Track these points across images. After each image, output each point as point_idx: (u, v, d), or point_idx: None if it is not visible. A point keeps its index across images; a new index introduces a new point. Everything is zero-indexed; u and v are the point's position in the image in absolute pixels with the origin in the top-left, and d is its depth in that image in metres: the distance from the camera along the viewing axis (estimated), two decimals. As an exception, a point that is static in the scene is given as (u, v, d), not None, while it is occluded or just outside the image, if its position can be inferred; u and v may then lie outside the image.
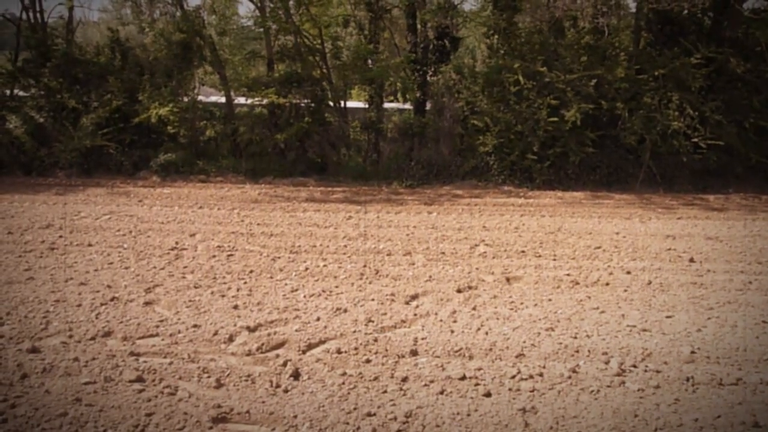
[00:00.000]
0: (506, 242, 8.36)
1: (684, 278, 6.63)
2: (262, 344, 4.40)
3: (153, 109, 14.33)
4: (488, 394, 3.75)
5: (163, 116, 14.32)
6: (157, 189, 13.40)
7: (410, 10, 16.62)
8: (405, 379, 3.92)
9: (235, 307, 5.26)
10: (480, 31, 18.11)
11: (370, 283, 6.18)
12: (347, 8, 17.92)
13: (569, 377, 4.00)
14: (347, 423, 3.35)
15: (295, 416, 3.41)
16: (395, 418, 3.41)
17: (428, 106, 16.97)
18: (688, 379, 3.99)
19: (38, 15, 16.60)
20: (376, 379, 3.92)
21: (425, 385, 3.86)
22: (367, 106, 17.63)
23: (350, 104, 18.24)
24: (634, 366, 4.21)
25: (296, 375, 3.93)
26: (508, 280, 6.43)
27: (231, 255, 7.21)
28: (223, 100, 17.69)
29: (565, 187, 13.99)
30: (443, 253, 7.60)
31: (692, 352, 4.44)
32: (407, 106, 18.60)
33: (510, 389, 3.82)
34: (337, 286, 6.01)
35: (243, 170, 15.37)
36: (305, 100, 16.14)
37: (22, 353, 4.13)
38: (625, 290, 6.14)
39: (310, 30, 16.77)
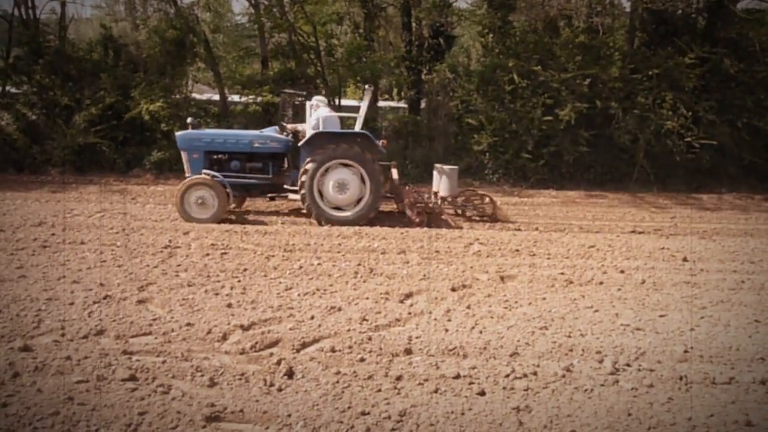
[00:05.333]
0: (500, 241, 8.37)
1: (677, 277, 6.66)
2: (256, 343, 4.38)
3: (144, 104, 14.26)
4: (482, 393, 3.75)
5: (155, 112, 14.23)
6: (150, 187, 13.34)
7: (405, 8, 16.61)
8: (399, 378, 3.92)
9: (229, 305, 5.24)
10: (475, 29, 18.14)
11: (364, 281, 6.18)
12: (342, 6, 17.89)
13: (563, 376, 4.01)
14: (341, 422, 3.35)
15: (289, 415, 3.40)
16: (389, 417, 3.41)
17: (423, 104, 16.97)
18: (681, 378, 4.01)
19: (30, 11, 16.49)
20: (370, 377, 3.91)
21: (419, 383, 3.85)
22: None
23: (345, 102, 18.21)
24: (628, 365, 4.22)
25: (290, 374, 3.92)
26: (502, 278, 6.44)
27: (225, 253, 7.18)
28: (217, 97, 17.62)
29: (559, 186, 14.02)
30: (438, 251, 7.60)
31: (685, 351, 4.45)
32: (402, 104, 18.60)
33: (504, 388, 3.83)
34: (331, 285, 6.00)
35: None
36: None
37: (13, 352, 4.10)
38: (619, 289, 6.16)
39: (305, 27, 16.73)
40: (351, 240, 8.12)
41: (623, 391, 3.84)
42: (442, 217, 10.00)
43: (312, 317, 4.99)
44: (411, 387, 3.81)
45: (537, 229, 9.76)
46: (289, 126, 10.23)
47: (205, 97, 18.58)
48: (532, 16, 15.61)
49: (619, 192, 13.72)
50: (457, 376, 3.94)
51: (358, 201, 9.33)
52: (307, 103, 9.93)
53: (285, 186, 9.78)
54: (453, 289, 5.95)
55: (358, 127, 9.68)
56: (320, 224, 9.21)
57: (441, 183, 10.10)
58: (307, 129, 9.72)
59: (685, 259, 7.55)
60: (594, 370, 4.12)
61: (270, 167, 9.86)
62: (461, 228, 9.54)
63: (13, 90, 16.11)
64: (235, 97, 17.08)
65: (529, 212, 11.57)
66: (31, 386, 3.64)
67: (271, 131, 10.13)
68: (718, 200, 13.22)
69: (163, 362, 4.04)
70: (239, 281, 6.02)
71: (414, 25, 17.06)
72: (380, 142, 9.61)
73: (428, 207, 10.06)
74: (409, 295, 5.74)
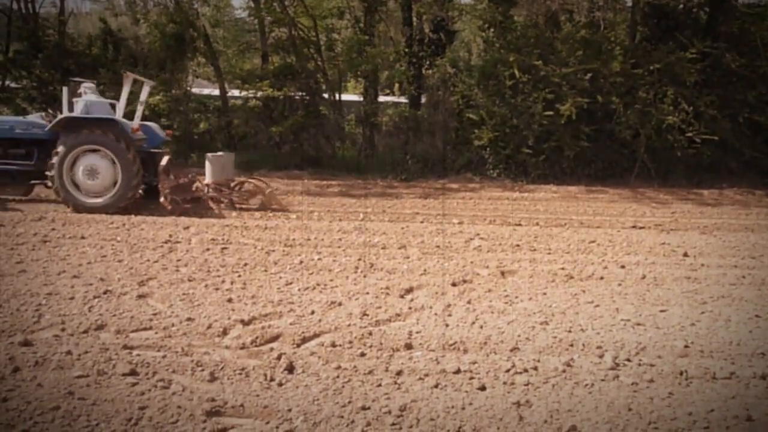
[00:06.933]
0: (501, 236, 8.36)
1: (678, 272, 6.65)
2: (257, 337, 4.38)
3: (144, 98, 14.25)
4: (483, 388, 3.74)
5: (155, 106, 14.22)
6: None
7: (406, 2, 16.56)
8: (399, 373, 3.91)
9: (229, 300, 5.24)
10: (476, 24, 18.08)
11: (364, 276, 6.17)
12: (342, 0, 17.84)
13: (564, 371, 4.01)
14: (342, 416, 3.34)
15: (290, 410, 3.40)
16: (390, 412, 3.41)
17: (423, 99, 16.94)
18: (681, 373, 4.00)
19: (30, 5, 16.46)
20: (370, 372, 3.91)
21: (420, 378, 3.85)
22: (362, 99, 17.58)
23: (345, 97, 18.19)
24: (628, 360, 4.21)
25: (290, 368, 3.92)
26: (502, 273, 6.44)
27: (225, 248, 7.18)
28: (217, 92, 17.60)
29: (560, 181, 14.01)
30: (438, 246, 7.60)
31: (686, 346, 4.45)
32: (403, 99, 18.57)
33: (504, 383, 3.82)
34: (331, 280, 5.99)
35: (237, 163, 15.29)
36: (300, 93, 16.07)
37: (14, 346, 4.10)
38: (620, 284, 6.15)
39: (305, 22, 16.70)
40: (351, 235, 8.11)
41: (624, 386, 3.84)
42: (210, 204, 9.91)
43: (312, 312, 4.99)
44: (411, 382, 3.81)
45: (537, 224, 9.75)
46: (51, 111, 10.15)
47: (205, 92, 18.55)
48: (533, 10, 15.57)
49: (619, 187, 13.70)
50: (458, 371, 3.94)
51: (113, 188, 9.29)
52: (64, 89, 9.74)
53: (47, 173, 9.45)
54: (453, 284, 5.95)
55: (118, 115, 9.60)
56: (68, 207, 9.22)
57: (206, 170, 10.18)
58: (65, 114, 9.57)
59: (685, 255, 7.54)
60: (594, 365, 4.12)
61: (35, 154, 9.67)
62: (223, 217, 9.45)
63: (13, 84, 16.09)
64: (235, 92, 17.06)
65: (530, 207, 11.56)
66: (31, 381, 3.64)
67: (36, 117, 9.98)
68: (718, 195, 13.20)
69: (164, 357, 4.04)
70: (239, 276, 6.02)
71: (415, 19, 17.03)
72: (164, 132, 9.92)
73: (192, 194, 9.99)
74: (409, 290, 5.73)
